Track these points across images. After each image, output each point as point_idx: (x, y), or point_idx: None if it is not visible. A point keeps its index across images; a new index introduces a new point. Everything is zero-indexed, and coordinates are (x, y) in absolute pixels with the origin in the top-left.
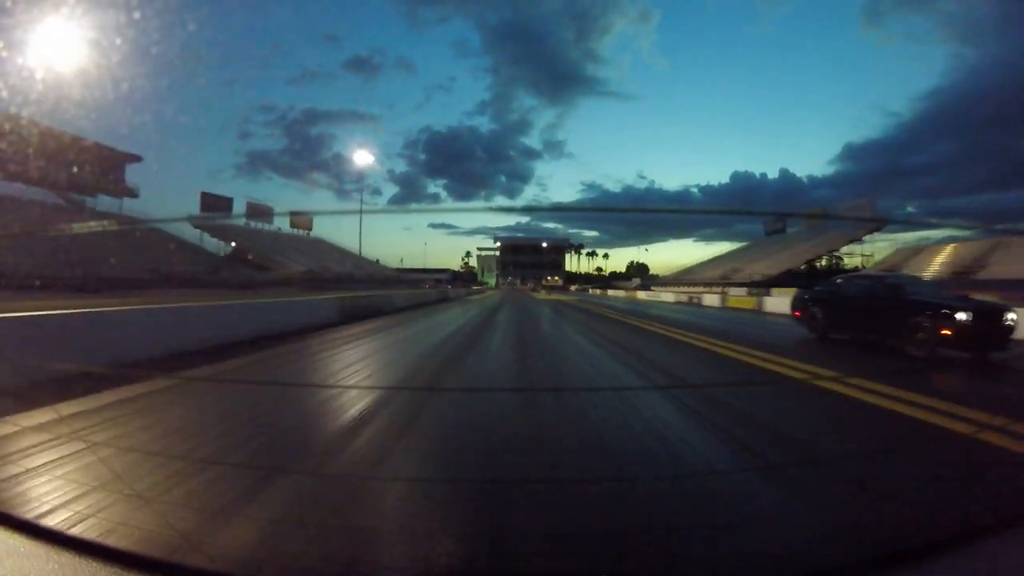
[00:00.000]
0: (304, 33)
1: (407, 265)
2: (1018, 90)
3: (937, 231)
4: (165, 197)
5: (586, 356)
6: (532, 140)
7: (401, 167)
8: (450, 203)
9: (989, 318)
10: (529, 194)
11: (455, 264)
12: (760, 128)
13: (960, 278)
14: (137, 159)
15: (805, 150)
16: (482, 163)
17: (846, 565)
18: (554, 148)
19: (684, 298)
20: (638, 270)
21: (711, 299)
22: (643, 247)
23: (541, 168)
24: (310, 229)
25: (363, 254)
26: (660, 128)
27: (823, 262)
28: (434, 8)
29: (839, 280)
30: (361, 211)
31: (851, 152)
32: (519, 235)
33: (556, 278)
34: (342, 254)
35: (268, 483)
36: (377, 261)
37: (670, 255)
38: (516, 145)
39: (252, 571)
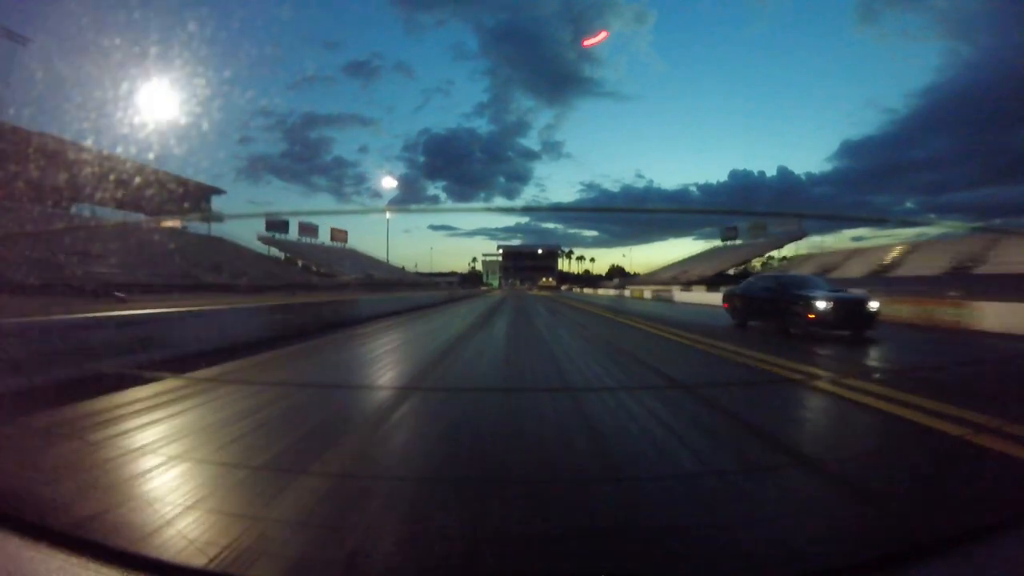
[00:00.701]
0: (304, 38)
1: (415, 269)
2: (1013, 85)
3: (933, 228)
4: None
5: (538, 312)
6: (530, 141)
7: (401, 169)
8: (450, 205)
9: (850, 306)
10: (528, 195)
11: (457, 266)
12: (758, 126)
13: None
14: (222, 192)
15: (803, 148)
16: (481, 164)
17: (846, 565)
18: (552, 149)
19: (617, 293)
20: (617, 272)
21: (627, 293)
22: (622, 253)
23: (540, 169)
24: (346, 241)
25: (367, 257)
26: (658, 127)
27: (742, 268)
28: (431, 12)
29: (752, 279)
30: (388, 213)
31: (848, 149)
32: (519, 240)
33: (550, 279)
34: (374, 262)
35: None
36: (403, 268)
37: (664, 256)
38: (514, 146)
39: (252, 571)
